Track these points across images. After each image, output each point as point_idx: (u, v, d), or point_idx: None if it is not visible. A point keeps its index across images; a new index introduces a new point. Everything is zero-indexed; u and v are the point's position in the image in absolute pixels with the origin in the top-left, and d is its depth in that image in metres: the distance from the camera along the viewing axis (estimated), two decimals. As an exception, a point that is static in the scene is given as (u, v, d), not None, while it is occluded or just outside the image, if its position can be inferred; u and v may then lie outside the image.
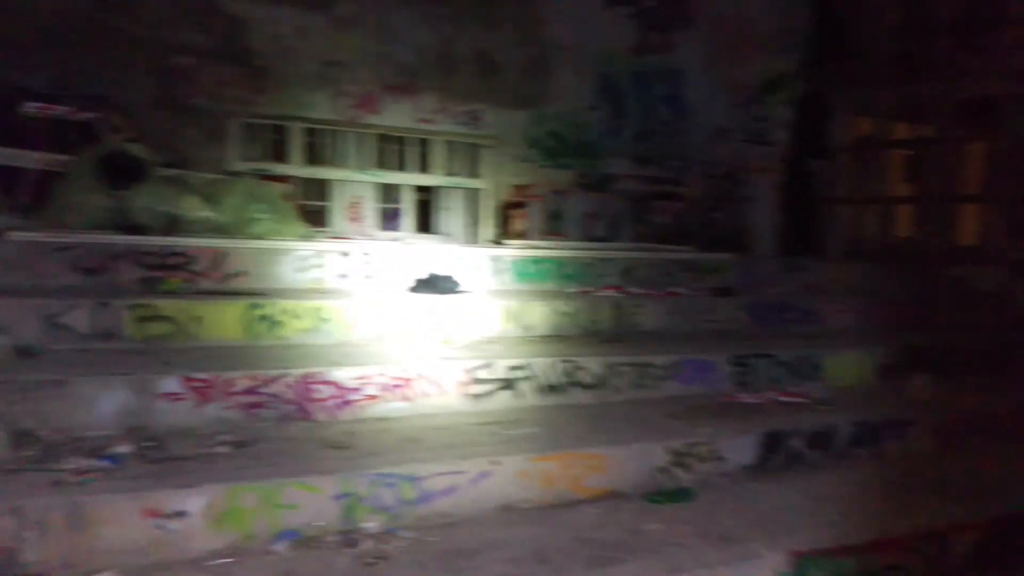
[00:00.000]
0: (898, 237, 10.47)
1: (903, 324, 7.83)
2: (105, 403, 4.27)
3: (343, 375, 4.93)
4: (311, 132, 9.90)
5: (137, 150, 6.94)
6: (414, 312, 6.08)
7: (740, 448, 5.04)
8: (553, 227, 10.09)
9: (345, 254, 6.69)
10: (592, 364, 5.71)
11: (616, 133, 11.38)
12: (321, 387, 4.86)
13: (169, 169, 7.77)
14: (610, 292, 7.44)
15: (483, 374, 5.34)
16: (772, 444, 5.12)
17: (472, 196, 10.56)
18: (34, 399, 4.10)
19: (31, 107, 7.59)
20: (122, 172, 6.72)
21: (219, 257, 6.16)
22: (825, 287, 8.65)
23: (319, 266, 6.62)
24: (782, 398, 5.89)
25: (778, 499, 4.66)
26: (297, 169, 9.73)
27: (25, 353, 4.65)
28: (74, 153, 7.02)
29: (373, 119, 10.13)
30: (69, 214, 6.55)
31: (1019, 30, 9.12)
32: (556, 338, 6.46)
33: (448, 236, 10.16)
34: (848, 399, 6.01)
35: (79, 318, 5.00)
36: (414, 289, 6.63)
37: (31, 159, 6.96)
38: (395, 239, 9.15)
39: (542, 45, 10.92)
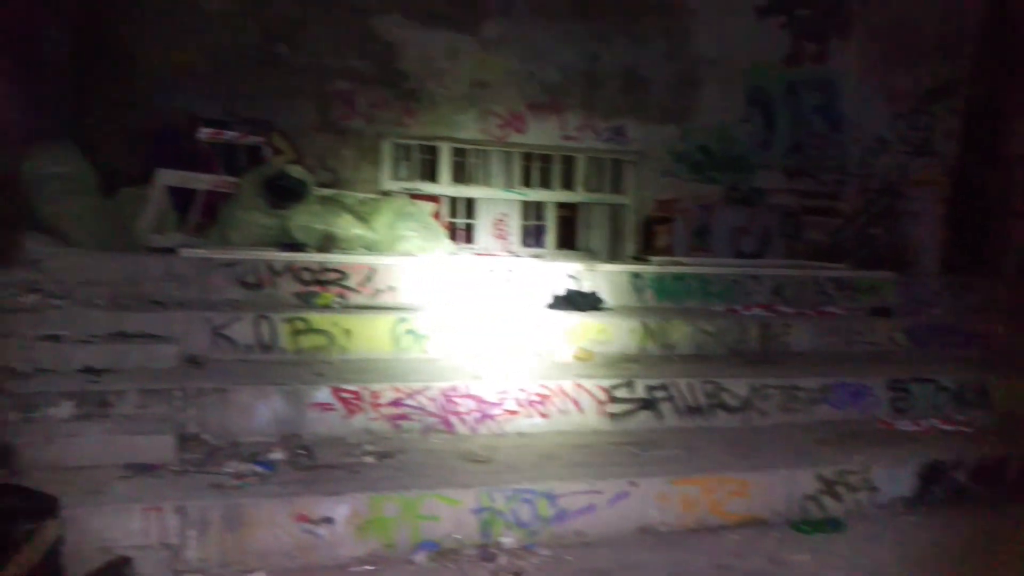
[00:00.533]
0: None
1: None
2: (262, 411, 4.53)
3: (484, 389, 5.02)
4: (459, 151, 10.16)
5: (297, 172, 7.34)
6: (554, 328, 6.10)
7: (896, 479, 4.76)
8: (699, 243, 9.88)
9: (490, 271, 6.80)
10: (737, 386, 5.55)
11: (767, 146, 11.03)
12: (462, 401, 4.97)
13: (326, 189, 8.19)
14: (758, 311, 7.19)
15: (622, 393, 5.29)
16: (932, 476, 4.80)
17: (616, 212, 10.51)
18: (199, 405, 4.40)
19: (203, 133, 8.20)
20: (283, 193, 7.12)
21: (370, 273, 6.40)
22: (995, 307, 8.00)
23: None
24: (944, 426, 5.52)
25: (938, 536, 4.35)
26: (445, 188, 10.00)
27: (192, 362, 5.01)
28: (240, 175, 7.51)
29: (518, 137, 10.29)
30: (235, 232, 7.00)
31: None
32: (699, 358, 6.31)
33: (591, 252, 10.14)
34: (1019, 429, 5.53)
35: (241, 330, 5.33)
36: (554, 306, 6.65)
37: (202, 181, 7.49)
38: (538, 255, 9.23)
39: (689, 58, 10.75)
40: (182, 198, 7.39)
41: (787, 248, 10.30)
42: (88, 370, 4.55)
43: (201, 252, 6.17)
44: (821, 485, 4.62)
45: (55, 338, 4.74)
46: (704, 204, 10.30)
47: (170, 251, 6.22)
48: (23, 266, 5.44)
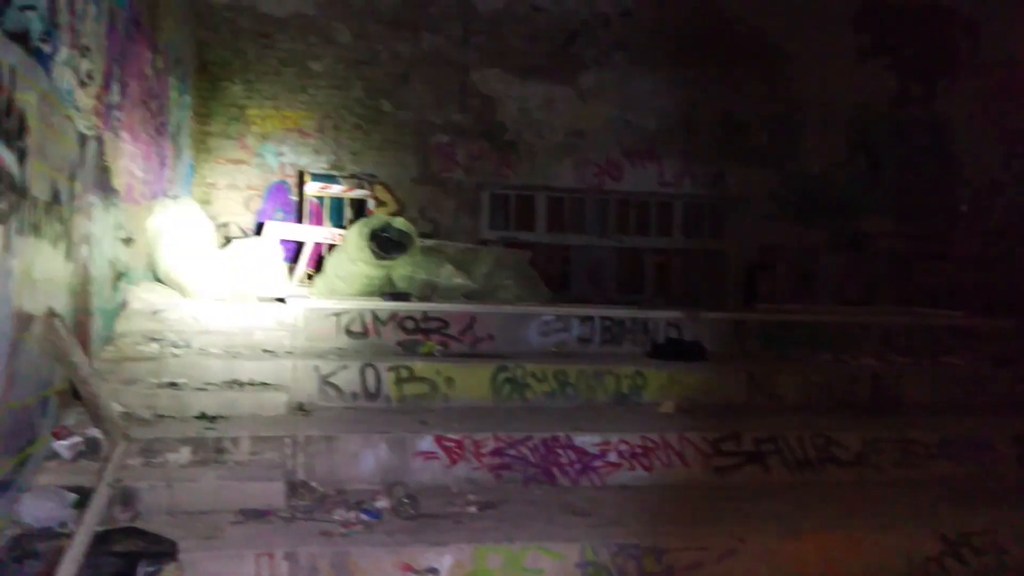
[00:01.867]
0: None
1: None
2: (367, 459, 4.61)
3: (586, 440, 4.97)
4: (555, 200, 10.24)
5: (400, 223, 7.56)
6: (655, 378, 6.01)
7: (1029, 542, 4.45)
8: (803, 289, 9.61)
9: (587, 318, 6.78)
10: (849, 439, 5.33)
11: (873, 189, 10.72)
12: (564, 451, 4.93)
13: (427, 239, 8.38)
14: (869, 360, 6.91)
15: (729, 446, 5.15)
16: (1073, 540, 4.47)
17: (715, 258, 10.36)
18: (307, 452, 4.51)
19: (311, 187, 8.54)
20: (387, 243, 7.32)
21: (470, 321, 6.48)
22: None
23: (562, 330, 6.75)
24: (1082, 486, 5.15)
25: (1079, 606, 4.04)
26: (541, 236, 10.08)
27: (301, 409, 5.15)
28: (346, 227, 7.76)
29: (615, 185, 10.32)
30: (341, 282, 7.22)
31: None
32: (807, 409, 6.10)
33: (690, 299, 9.98)
34: None
35: (347, 378, 5.46)
36: (654, 354, 6.56)
37: (310, 233, 7.79)
38: (635, 302, 9.14)
39: (790, 102, 10.63)
40: (291, 250, 7.70)
41: (897, 294, 9.91)
42: (204, 417, 4.73)
43: (309, 302, 6.38)
44: (944, 546, 4.36)
45: (174, 385, 4.97)
46: (807, 250, 10.05)
47: (280, 301, 6.45)
48: (146, 317, 5.73)
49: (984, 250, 10.31)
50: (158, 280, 6.45)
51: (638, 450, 5.01)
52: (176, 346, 5.46)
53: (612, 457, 4.98)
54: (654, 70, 10.38)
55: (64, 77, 4.10)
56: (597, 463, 4.96)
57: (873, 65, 10.88)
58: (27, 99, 3.46)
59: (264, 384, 5.23)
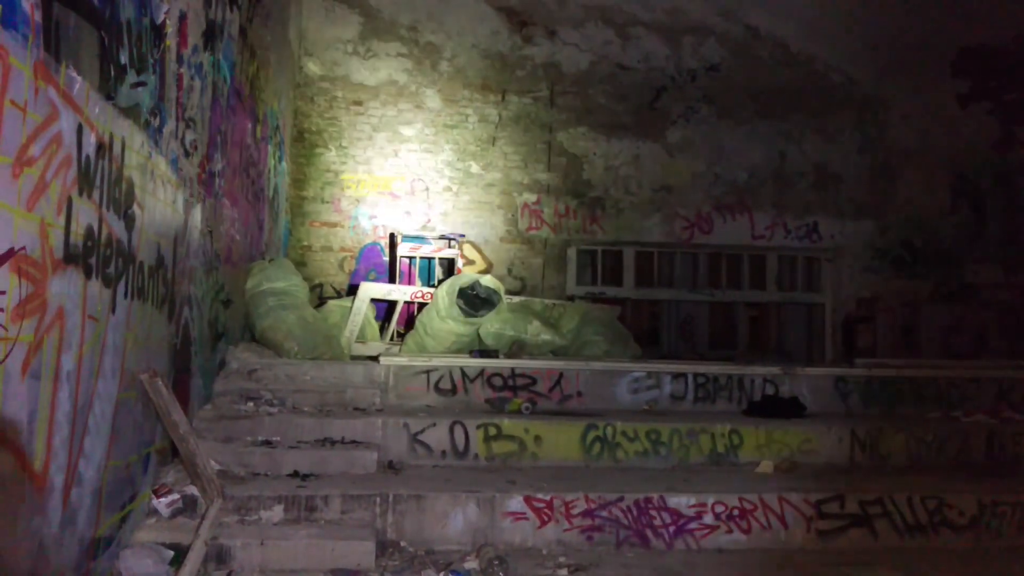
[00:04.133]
0: None
1: None
2: (456, 519, 4.56)
3: (680, 502, 4.81)
4: (643, 255, 10.17)
5: (488, 281, 7.61)
6: (752, 436, 5.80)
7: None
8: (905, 343, 9.20)
9: (679, 375, 6.63)
10: (963, 502, 5.01)
11: (978, 237, 10.28)
12: (657, 513, 4.78)
13: (515, 296, 8.40)
14: (982, 417, 6.53)
15: (832, 508, 4.91)
16: None
17: (811, 311, 10.05)
18: (397, 512, 4.50)
19: (403, 248, 8.71)
20: (476, 301, 7.37)
21: (558, 378, 6.42)
22: None
23: (654, 387, 6.62)
24: None
25: None
26: (630, 291, 10.00)
27: (391, 467, 5.16)
28: (436, 286, 7.87)
29: (704, 239, 10.19)
30: (431, 340, 7.29)
31: None
32: (916, 469, 5.77)
33: (785, 354, 9.69)
34: None
35: (436, 436, 5.45)
36: (750, 411, 6.36)
37: (401, 293, 7.92)
38: (728, 358, 8.91)
39: (886, 151, 10.37)
40: (383, 309, 7.84)
41: (1007, 347, 9.39)
42: (296, 475, 4.79)
43: (400, 360, 6.44)
44: (1075, 622, 4.01)
45: (268, 443, 5.06)
46: (909, 302, 9.65)
47: (372, 359, 6.54)
48: (242, 376, 5.89)
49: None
50: (255, 340, 6.63)
51: (735, 512, 4.81)
52: (271, 404, 5.57)
53: (708, 519, 4.80)
54: (742, 123, 10.31)
55: (170, 148, 4.32)
56: (692, 525, 4.78)
57: (974, 110, 10.53)
58: (136, 169, 3.65)
59: (355, 442, 5.27)
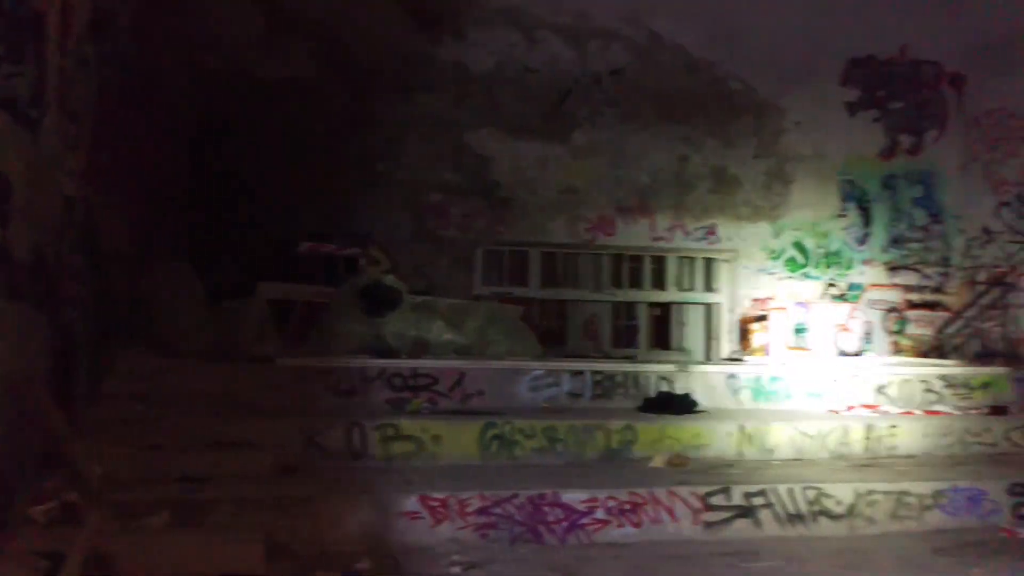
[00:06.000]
0: None
1: None
2: (350, 520, 4.55)
3: (573, 497, 4.91)
4: (549, 255, 10.29)
5: (392, 281, 7.58)
6: (646, 432, 5.97)
7: (1024, 595, 4.36)
8: (797, 341, 9.59)
9: (578, 373, 6.77)
10: (841, 491, 5.27)
11: (865, 240, 10.77)
12: (551, 509, 4.86)
13: (419, 296, 8.39)
14: (862, 411, 6.87)
15: (718, 500, 5.09)
16: (1064, 592, 4.39)
17: (710, 311, 10.36)
18: (290, 514, 4.45)
19: (304, 246, 8.60)
20: (378, 301, 7.34)
21: (459, 378, 6.46)
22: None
23: (553, 385, 6.73)
24: (1076, 536, 5.06)
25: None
26: (536, 291, 10.10)
27: (286, 470, 5.10)
28: (338, 286, 7.80)
29: (608, 240, 10.38)
30: (331, 341, 7.22)
31: None
32: (800, 462, 6.04)
33: (685, 352, 9.96)
34: None
35: (333, 438, 5.42)
36: (645, 408, 6.53)
37: (302, 293, 7.81)
38: (629, 356, 9.12)
39: (781, 156, 10.75)
40: (282, 309, 7.71)
41: (891, 345, 9.89)
42: (186, 479, 4.69)
43: (298, 361, 6.38)
44: (938, 600, 4.28)
45: (157, 447, 4.93)
46: (801, 301, 10.06)
47: (269, 360, 6.45)
48: (133, 378, 5.73)
49: (976, 299, 10.31)
50: (147, 341, 6.44)
51: (627, 506, 4.94)
52: (161, 406, 5.43)
53: (600, 514, 4.91)
54: (645, 127, 10.51)
55: (51, 143, 4.17)
56: (585, 520, 4.89)
57: (862, 118, 11.02)
58: (12, 163, 3.51)
59: (249, 444, 5.19)
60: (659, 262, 10.44)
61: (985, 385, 7.40)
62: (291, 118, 9.51)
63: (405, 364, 6.48)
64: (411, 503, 4.68)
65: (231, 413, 5.56)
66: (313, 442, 5.38)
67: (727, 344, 9.98)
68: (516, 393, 6.60)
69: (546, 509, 4.85)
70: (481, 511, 4.76)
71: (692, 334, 10.25)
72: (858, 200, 10.80)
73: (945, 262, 10.73)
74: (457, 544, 4.64)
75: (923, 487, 5.37)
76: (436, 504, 4.70)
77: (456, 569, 4.30)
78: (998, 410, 7.02)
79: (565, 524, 4.85)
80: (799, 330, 9.69)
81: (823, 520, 5.19)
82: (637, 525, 4.94)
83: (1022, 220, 10.14)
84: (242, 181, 9.19)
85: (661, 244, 10.38)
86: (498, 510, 4.78)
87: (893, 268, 10.68)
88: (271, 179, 9.31)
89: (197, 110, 9.04)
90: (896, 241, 10.76)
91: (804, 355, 9.01)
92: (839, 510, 5.22)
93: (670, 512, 5.01)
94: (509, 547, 4.72)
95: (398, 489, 4.80)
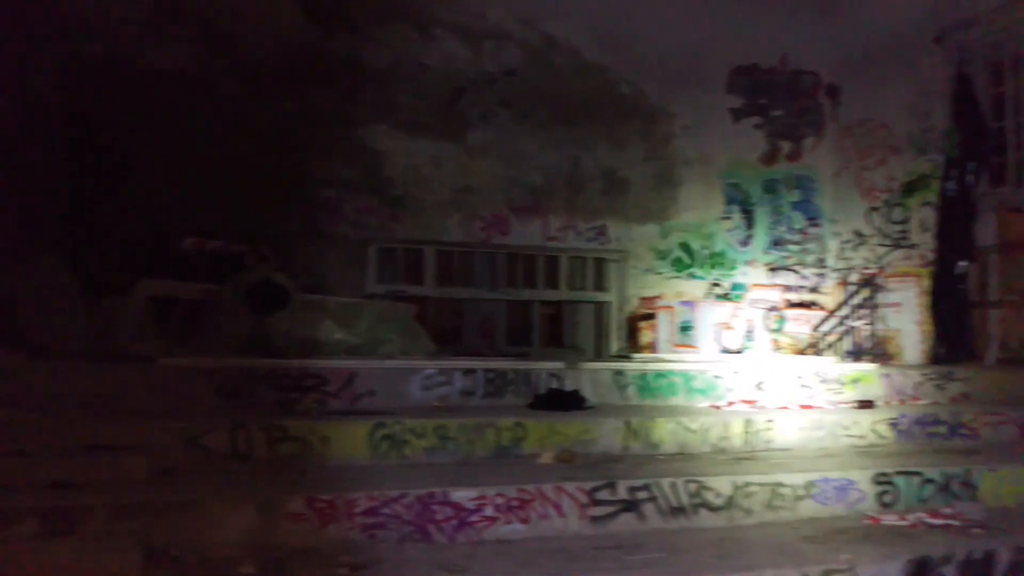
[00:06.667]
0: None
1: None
2: (233, 523, 4.43)
3: (462, 495, 4.92)
4: (444, 253, 10.31)
5: (280, 278, 7.43)
6: (535, 429, 6.05)
7: (884, 577, 4.64)
8: (683, 339, 9.92)
9: (470, 371, 6.80)
10: (720, 484, 5.45)
11: (747, 242, 11.23)
12: (440, 508, 4.86)
13: (310, 294, 8.25)
14: (741, 406, 7.16)
15: (604, 495, 5.19)
16: (920, 572, 4.68)
17: (601, 309, 10.59)
18: (169, 519, 4.31)
19: (188, 242, 8.32)
20: (266, 299, 7.18)
21: (350, 377, 6.39)
22: (979, 397, 8.00)
23: (445, 383, 6.74)
24: (931, 520, 5.41)
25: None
26: (430, 289, 10.10)
27: (166, 473, 4.93)
28: (224, 283, 7.58)
29: (502, 239, 10.47)
30: (217, 340, 7.02)
31: None
32: (683, 456, 6.24)
33: (577, 350, 10.15)
34: (1009, 522, 5.44)
35: (217, 439, 5.26)
36: (535, 405, 6.62)
37: (186, 290, 7.57)
38: (523, 354, 9.22)
39: (669, 160, 11.09)
40: (165, 307, 7.44)
41: (772, 343, 10.35)
42: (57, 485, 4.47)
43: (181, 361, 6.17)
44: (806, 585, 4.49)
45: (24, 453, 4.69)
46: (687, 300, 10.41)
47: (150, 360, 6.22)
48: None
49: (848, 299, 10.90)
50: (18, 339, 6.11)
51: (515, 503, 4.98)
52: (31, 409, 5.16)
53: (489, 511, 4.93)
54: (539, 128, 10.66)
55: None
56: (474, 518, 4.91)
57: (745, 124, 11.48)
58: None
59: (128, 448, 4.99)
60: (552, 261, 10.60)
61: (855, 381, 7.84)
62: (176, 110, 9.20)
63: (293, 364, 6.36)
64: (297, 505, 4.59)
65: (107, 415, 5.34)
66: (195, 444, 5.21)
67: (616, 342, 10.22)
68: (408, 392, 6.58)
69: (435, 508, 4.85)
70: (369, 511, 4.71)
71: (584, 332, 10.45)
72: (741, 203, 11.26)
73: (821, 263, 11.32)
74: (345, 545, 4.59)
75: (796, 478, 5.61)
76: (323, 505, 4.62)
77: (343, 570, 4.25)
78: (866, 404, 7.43)
79: (454, 522, 4.85)
80: (685, 328, 10.02)
81: (703, 512, 5.36)
82: (525, 521, 4.99)
83: (890, 224, 10.78)
84: (124, 174, 8.82)
85: (554, 244, 10.54)
86: (387, 510, 4.74)
87: (773, 269, 11.20)
88: (155, 172, 8.98)
89: (75, 100, 8.61)
90: (776, 243, 11.28)
91: (689, 352, 9.31)
92: (718, 502, 5.40)
93: (557, 508, 5.08)
94: (398, 547, 4.70)
95: (284, 491, 4.70)
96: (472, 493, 4.94)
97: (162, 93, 9.15)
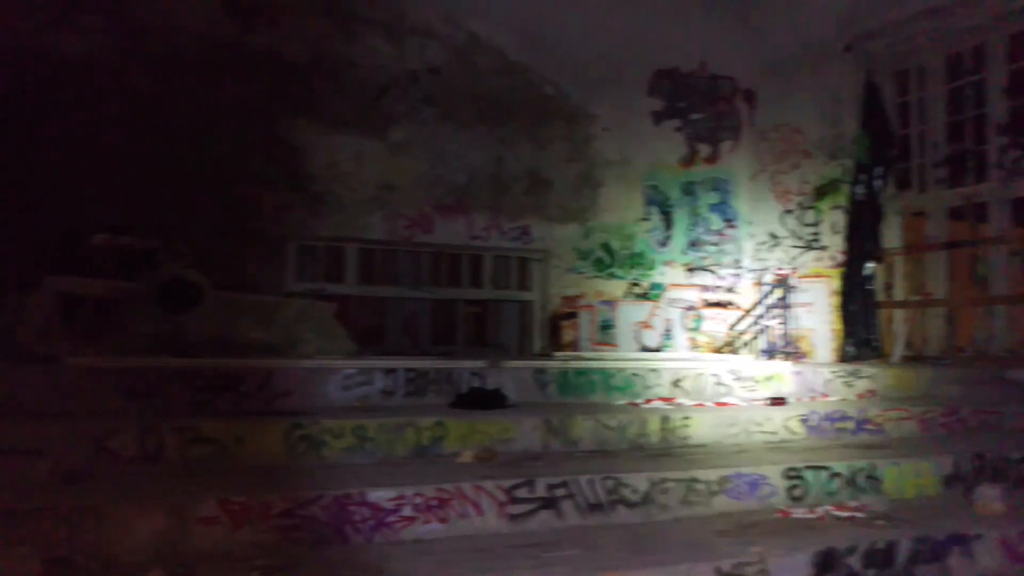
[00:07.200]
0: (961, 340, 10.07)
1: (970, 432, 7.45)
2: (141, 529, 4.30)
3: (380, 496, 4.87)
4: (366, 252, 10.20)
5: (194, 276, 7.23)
6: (456, 428, 6.04)
7: (792, 568, 4.77)
8: (604, 338, 10.05)
9: (391, 371, 6.74)
10: (637, 480, 5.52)
11: (666, 242, 11.44)
12: (357, 508, 4.81)
13: (227, 292, 8.05)
14: (659, 403, 7.29)
15: (523, 493, 5.20)
16: (826, 563, 4.84)
17: (524, 308, 10.64)
18: (71, 525, 4.15)
19: (98, 238, 8.03)
20: (179, 297, 6.99)
21: (267, 377, 6.26)
22: (884, 394, 8.34)
23: (365, 383, 6.67)
24: (838, 513, 5.60)
25: (833, 626, 4.37)
26: (352, 288, 9.98)
27: (70, 478, 4.75)
28: (136, 280, 7.35)
29: (426, 238, 10.42)
30: (127, 339, 6.79)
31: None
32: (602, 453, 6.31)
33: (502, 348, 10.18)
34: (910, 513, 5.67)
35: (125, 441, 5.09)
36: (456, 404, 6.61)
37: (94, 287, 7.30)
38: (448, 353, 9.20)
39: (591, 161, 11.20)
40: (71, 305, 7.16)
41: (689, 341, 10.57)
42: (-49, 491, 4.27)
43: (88, 361, 5.95)
44: (716, 577, 4.60)
45: (-85, 458, 4.46)
46: (608, 300, 10.55)
47: (55, 360, 5.97)
48: None
49: (762, 299, 11.22)
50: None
51: (433, 502, 4.96)
52: (-76, 413, 4.92)
53: (407, 511, 4.90)
54: (463, 126, 10.64)
55: None
56: (392, 519, 4.86)
57: (665, 127, 11.69)
58: None
59: (28, 451, 4.79)
60: (476, 260, 10.60)
61: (769, 379, 8.07)
62: (85, 100, 8.87)
63: (208, 364, 6.20)
64: (209, 507, 4.48)
65: (6, 417, 5.11)
66: (102, 447, 5.03)
67: (539, 340, 10.29)
68: (326, 393, 6.49)
69: (352, 509, 4.79)
70: (284, 513, 4.62)
71: (508, 331, 10.49)
72: (660, 205, 11.46)
73: (737, 264, 11.61)
74: (259, 548, 4.50)
75: (711, 474, 5.73)
76: (236, 508, 4.52)
77: (256, 574, 4.16)
78: (778, 401, 7.65)
79: (372, 523, 4.80)
80: (605, 327, 10.17)
81: (620, 508, 5.43)
82: (444, 521, 4.97)
83: (803, 226, 11.14)
84: (27, 166, 8.45)
85: (478, 243, 10.54)
86: (302, 512, 4.66)
87: (691, 269, 11.44)
88: (62, 165, 8.63)
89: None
90: (694, 244, 11.53)
91: (610, 351, 9.44)
92: (635, 498, 5.47)
93: (476, 506, 5.07)
94: (313, 549, 4.63)
95: (196, 494, 4.58)
96: (390, 493, 4.90)
97: (70, 82, 8.81)
